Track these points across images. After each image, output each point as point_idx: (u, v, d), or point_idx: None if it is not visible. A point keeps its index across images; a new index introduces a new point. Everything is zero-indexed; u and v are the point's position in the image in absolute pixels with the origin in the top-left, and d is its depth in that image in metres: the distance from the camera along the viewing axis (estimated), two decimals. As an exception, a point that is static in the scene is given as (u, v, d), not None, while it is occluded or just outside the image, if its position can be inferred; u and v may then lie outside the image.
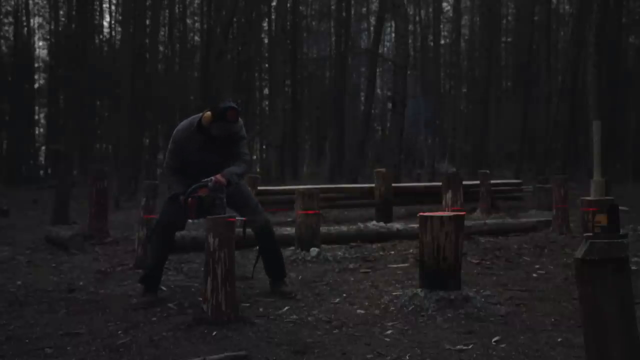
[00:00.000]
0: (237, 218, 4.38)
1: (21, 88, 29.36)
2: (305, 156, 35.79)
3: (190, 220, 4.71)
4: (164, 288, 5.07)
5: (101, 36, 33.58)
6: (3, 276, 5.62)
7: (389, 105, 26.38)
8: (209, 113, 4.34)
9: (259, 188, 9.86)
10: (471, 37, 35.21)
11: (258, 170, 29.48)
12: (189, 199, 4.23)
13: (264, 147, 35.50)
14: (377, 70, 30.05)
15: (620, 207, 2.96)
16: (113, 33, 33.41)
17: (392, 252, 6.82)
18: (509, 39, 34.53)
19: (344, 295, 4.79)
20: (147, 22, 24.45)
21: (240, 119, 4.51)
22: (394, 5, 18.81)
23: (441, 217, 4.34)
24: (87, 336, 3.67)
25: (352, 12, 31.98)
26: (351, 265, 6.08)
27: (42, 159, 33.22)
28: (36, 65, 33.21)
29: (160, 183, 7.41)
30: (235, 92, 30.92)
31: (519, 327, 3.84)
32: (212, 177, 4.26)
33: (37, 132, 33.98)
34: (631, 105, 26.27)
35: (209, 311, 3.84)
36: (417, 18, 35.67)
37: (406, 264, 6.09)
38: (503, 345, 3.44)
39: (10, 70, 29.87)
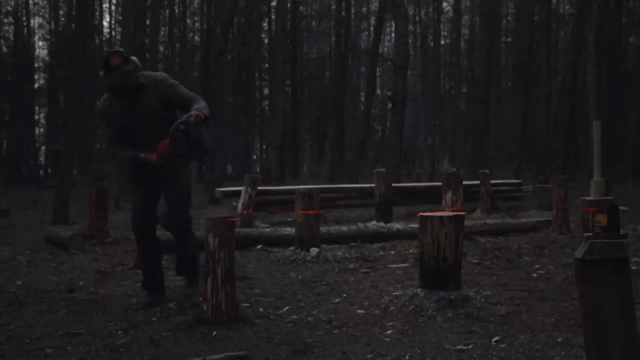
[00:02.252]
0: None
1: (21, 88, 29.35)
2: (305, 156, 35.78)
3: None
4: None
5: (101, 36, 33.59)
6: (3, 276, 5.62)
7: (389, 105, 26.38)
8: (101, 72, 4.18)
9: (259, 188, 9.85)
10: (471, 37, 35.20)
11: (258, 170, 29.50)
12: (178, 134, 3.99)
13: (264, 147, 35.51)
14: (377, 70, 30.05)
15: (620, 207, 2.96)
16: (113, 33, 33.43)
17: (392, 252, 6.82)
18: (509, 39, 34.53)
19: (344, 295, 4.79)
20: (147, 22, 24.45)
21: (141, 72, 4.27)
22: (394, 5, 18.81)
23: (441, 217, 4.34)
24: (87, 336, 3.68)
25: (352, 12, 31.99)
26: (351, 265, 6.08)
27: (42, 159, 33.21)
28: (36, 65, 33.22)
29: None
30: (235, 92, 30.95)
31: (519, 327, 3.84)
32: (191, 112, 4.04)
33: (37, 132, 33.99)
34: (631, 105, 26.26)
35: (209, 311, 3.84)
36: (417, 18, 35.66)
37: (406, 264, 6.09)
38: (503, 345, 3.44)
39: (10, 70, 29.86)
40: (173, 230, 4.61)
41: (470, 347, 3.41)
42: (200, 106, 4.15)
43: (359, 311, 4.27)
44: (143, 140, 4.25)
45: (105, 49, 32.96)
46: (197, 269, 4.76)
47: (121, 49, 4.28)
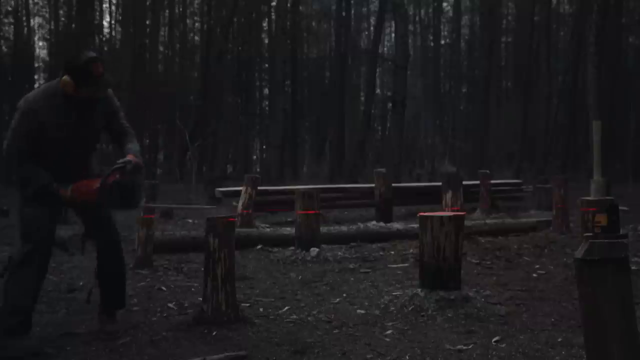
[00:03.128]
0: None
1: (21, 88, 29.31)
2: (305, 156, 35.79)
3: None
4: (163, 288, 5.08)
5: (101, 36, 33.60)
6: (3, 276, 5.61)
7: (389, 105, 26.40)
8: (67, 78, 3.37)
9: (259, 188, 9.84)
10: (471, 37, 35.21)
11: (258, 170, 29.50)
12: (111, 184, 3.45)
13: (264, 147, 35.51)
14: (377, 70, 30.06)
15: (620, 207, 2.96)
16: (113, 33, 33.43)
17: (392, 252, 6.82)
18: (509, 39, 34.53)
19: (344, 295, 4.79)
20: (147, 22, 24.46)
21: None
22: (394, 5, 18.83)
23: (441, 217, 4.34)
24: (87, 336, 3.67)
25: (352, 12, 31.98)
26: (351, 265, 6.08)
27: (42, 159, 33.21)
28: (36, 65, 33.22)
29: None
30: (235, 92, 30.95)
31: (519, 327, 3.84)
32: (129, 158, 3.51)
33: (37, 132, 33.96)
34: (631, 105, 26.27)
35: (209, 311, 3.84)
36: (417, 18, 35.68)
37: (406, 264, 6.09)
38: (503, 345, 3.44)
39: (10, 70, 29.88)
40: (102, 245, 3.79)
41: (470, 347, 3.41)
42: (136, 149, 3.64)
43: (359, 311, 4.27)
44: (61, 163, 3.50)
45: (106, 49, 33.08)
46: (125, 296, 3.95)
47: (95, 54, 3.50)
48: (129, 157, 3.52)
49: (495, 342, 3.50)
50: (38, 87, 3.59)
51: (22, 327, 3.41)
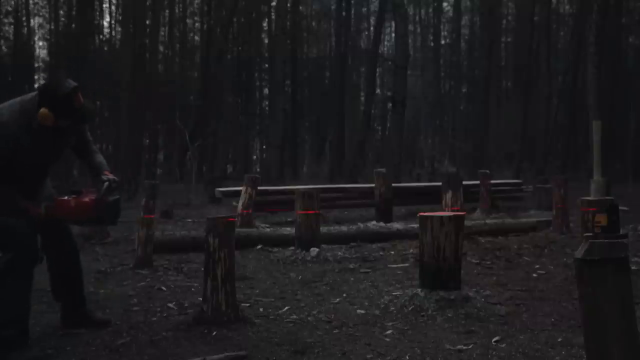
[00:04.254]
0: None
1: (21, 88, 29.32)
2: (305, 156, 35.80)
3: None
4: (163, 288, 5.08)
5: (101, 36, 33.61)
6: (3, 276, 5.61)
7: (389, 105, 26.41)
8: (45, 111, 3.25)
9: (259, 188, 9.85)
10: (471, 37, 35.21)
11: (258, 170, 29.50)
12: (101, 203, 3.51)
13: (264, 147, 35.51)
14: (377, 70, 30.06)
15: (620, 207, 2.96)
16: (113, 33, 33.44)
17: (392, 252, 6.82)
18: (509, 39, 34.53)
19: (344, 295, 4.79)
20: (147, 22, 24.46)
21: None
22: (394, 5, 18.84)
23: (441, 217, 4.34)
24: (87, 336, 3.68)
25: (352, 12, 31.99)
26: (351, 265, 6.08)
27: (42, 159, 33.19)
28: (36, 65, 33.25)
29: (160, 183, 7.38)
30: (235, 92, 30.95)
31: (519, 327, 3.84)
32: (111, 177, 3.60)
33: (37, 132, 33.95)
34: (631, 105, 26.27)
35: (209, 311, 3.84)
36: (417, 18, 35.68)
37: (406, 264, 6.09)
38: (503, 345, 3.44)
39: (10, 70, 29.90)
40: (72, 255, 3.88)
41: (470, 347, 3.41)
42: (105, 163, 3.72)
43: (359, 311, 4.27)
44: (29, 180, 3.48)
45: (106, 49, 33.08)
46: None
47: (74, 82, 3.39)
48: (108, 175, 3.61)
49: (495, 342, 3.50)
50: (11, 104, 3.38)
51: (19, 338, 3.33)
